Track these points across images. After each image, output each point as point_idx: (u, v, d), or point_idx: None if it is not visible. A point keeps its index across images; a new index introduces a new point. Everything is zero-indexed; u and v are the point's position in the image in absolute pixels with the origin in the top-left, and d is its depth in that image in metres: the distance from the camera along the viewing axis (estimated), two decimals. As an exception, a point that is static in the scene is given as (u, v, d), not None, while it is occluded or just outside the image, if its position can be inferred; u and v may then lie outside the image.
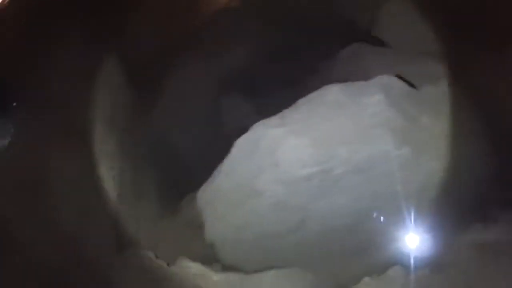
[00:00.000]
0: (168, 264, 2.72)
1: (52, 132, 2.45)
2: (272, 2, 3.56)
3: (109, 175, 2.76)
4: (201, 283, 2.75)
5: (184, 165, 3.03)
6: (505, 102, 3.11)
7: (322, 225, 2.71)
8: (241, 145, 2.57)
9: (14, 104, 2.12)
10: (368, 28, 3.57)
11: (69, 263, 2.44)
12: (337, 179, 2.56)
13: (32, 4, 2.44)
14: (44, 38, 2.41)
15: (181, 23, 3.35)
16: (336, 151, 2.50)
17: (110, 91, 2.79)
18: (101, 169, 2.73)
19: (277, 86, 3.17)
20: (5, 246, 2.09)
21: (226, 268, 2.86)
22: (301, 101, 2.62)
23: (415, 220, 2.89)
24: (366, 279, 2.48)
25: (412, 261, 2.59)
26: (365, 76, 2.77)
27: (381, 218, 2.77)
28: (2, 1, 2.18)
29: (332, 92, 2.56)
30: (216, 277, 2.78)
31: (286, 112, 2.58)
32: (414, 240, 2.63)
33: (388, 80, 2.67)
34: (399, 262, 2.53)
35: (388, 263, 2.52)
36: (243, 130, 2.62)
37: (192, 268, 2.77)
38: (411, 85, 2.81)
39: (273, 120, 2.56)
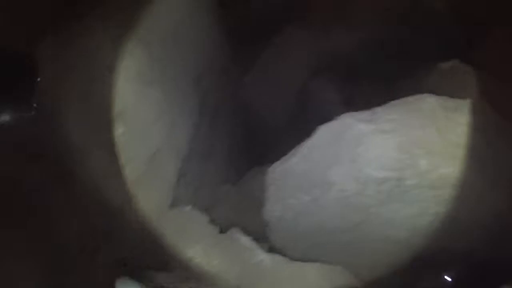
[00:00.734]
0: (220, 231, 2.76)
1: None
2: None
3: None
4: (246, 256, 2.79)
5: (260, 138, 3.03)
6: None
7: (378, 232, 2.68)
8: (324, 132, 2.54)
9: (38, 79, 2.10)
10: (472, 48, 3.51)
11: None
12: (408, 190, 2.51)
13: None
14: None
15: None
16: (417, 161, 2.47)
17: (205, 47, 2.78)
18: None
19: (371, 81, 3.09)
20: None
21: (273, 249, 2.90)
22: (394, 103, 2.55)
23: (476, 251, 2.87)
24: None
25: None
26: (463, 93, 2.74)
27: (441, 238, 2.77)
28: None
29: (429, 102, 2.49)
30: (262, 256, 2.81)
31: (378, 110, 2.51)
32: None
33: (482, 106, 2.66)
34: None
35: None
36: (327, 117, 2.57)
37: (241, 240, 2.81)
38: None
39: (363, 114, 2.50)
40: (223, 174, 3.02)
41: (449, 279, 2.69)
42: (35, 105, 2.07)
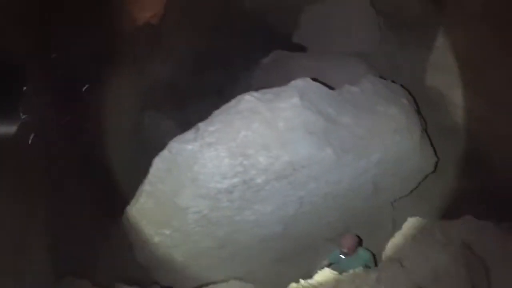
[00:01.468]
0: (105, 291, 2.64)
1: None
2: (193, 15, 3.54)
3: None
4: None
5: (110, 185, 2.95)
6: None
7: (252, 235, 2.70)
8: (159, 163, 2.51)
9: (24, 88, 2.18)
10: (290, 34, 3.59)
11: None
12: (259, 188, 2.52)
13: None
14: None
15: (105, 40, 3.26)
16: (255, 159, 2.46)
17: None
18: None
19: (202, 97, 3.14)
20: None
21: (163, 288, 2.83)
22: (216, 113, 2.57)
23: (344, 221, 2.91)
24: (302, 282, 2.43)
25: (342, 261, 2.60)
26: (285, 82, 2.74)
27: (311, 221, 2.78)
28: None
29: (246, 101, 2.52)
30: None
31: (201, 125, 2.52)
32: (346, 239, 2.61)
33: (304, 83, 2.65)
34: (331, 263, 2.54)
35: (320, 266, 2.50)
36: (164, 146, 2.55)
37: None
38: (329, 87, 2.82)
39: (188, 135, 2.51)
40: (92, 234, 2.91)
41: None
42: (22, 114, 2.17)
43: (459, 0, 3.19)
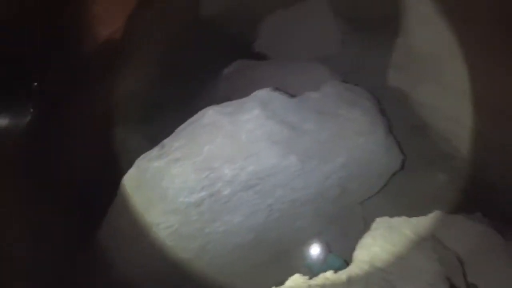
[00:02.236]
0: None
1: None
2: (154, 29, 3.56)
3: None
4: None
5: (84, 202, 2.98)
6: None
7: (224, 245, 2.74)
8: (127, 182, 2.57)
9: (35, 84, 2.23)
10: (251, 43, 3.65)
11: None
12: (227, 200, 2.57)
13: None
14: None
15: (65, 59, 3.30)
16: (221, 172, 2.52)
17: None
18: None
19: (167, 111, 3.17)
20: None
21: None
22: (180, 128, 2.64)
23: (315, 224, 2.95)
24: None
25: (314, 267, 2.63)
26: (248, 92, 2.81)
27: (282, 228, 2.82)
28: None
29: (208, 115, 2.58)
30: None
31: (166, 141, 2.59)
32: (315, 246, 2.66)
33: (265, 93, 2.72)
34: (301, 269, 2.57)
35: (292, 271, 2.53)
36: (132, 162, 2.61)
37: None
38: (292, 94, 2.89)
39: (154, 151, 2.57)
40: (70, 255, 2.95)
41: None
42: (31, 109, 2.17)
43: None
